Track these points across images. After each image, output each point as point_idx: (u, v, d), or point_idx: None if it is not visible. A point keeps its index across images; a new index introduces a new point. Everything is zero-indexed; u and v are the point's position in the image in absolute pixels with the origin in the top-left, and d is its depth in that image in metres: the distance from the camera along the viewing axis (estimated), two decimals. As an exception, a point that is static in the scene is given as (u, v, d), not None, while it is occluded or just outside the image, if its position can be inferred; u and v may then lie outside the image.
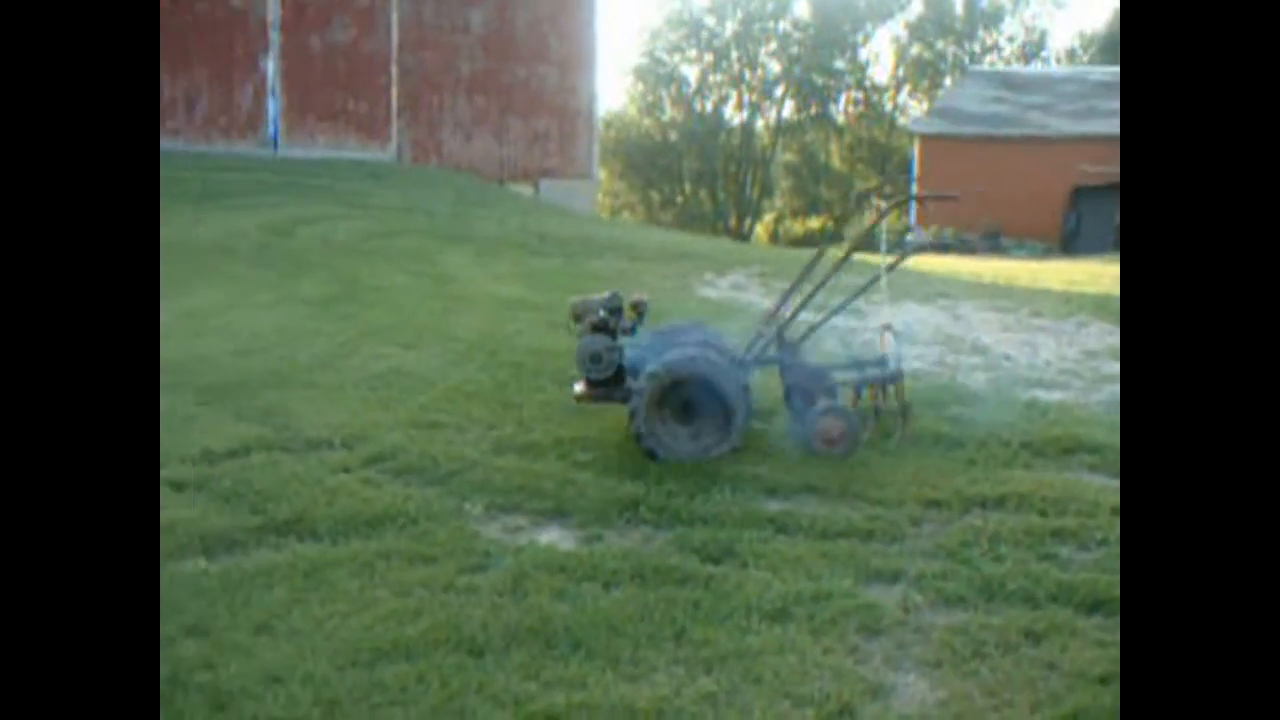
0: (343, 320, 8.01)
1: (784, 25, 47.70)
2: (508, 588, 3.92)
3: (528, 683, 3.30)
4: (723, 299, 9.53)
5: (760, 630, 3.66)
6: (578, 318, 5.76)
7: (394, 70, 18.94)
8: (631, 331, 5.73)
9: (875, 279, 6.13)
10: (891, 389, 5.77)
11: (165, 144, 14.65)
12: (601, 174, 30.46)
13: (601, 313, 5.69)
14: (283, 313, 8.17)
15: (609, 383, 5.61)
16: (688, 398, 5.43)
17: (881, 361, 5.90)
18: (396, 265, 10.30)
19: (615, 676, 3.35)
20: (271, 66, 17.73)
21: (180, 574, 4.00)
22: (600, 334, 5.64)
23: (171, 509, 4.50)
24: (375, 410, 5.91)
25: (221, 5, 17.27)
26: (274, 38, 17.72)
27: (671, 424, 5.43)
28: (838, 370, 6.00)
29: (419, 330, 7.68)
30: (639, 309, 5.82)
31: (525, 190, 19.90)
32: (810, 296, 5.86)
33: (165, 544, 4.15)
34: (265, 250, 10.63)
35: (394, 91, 18.96)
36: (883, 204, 6.30)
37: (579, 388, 5.73)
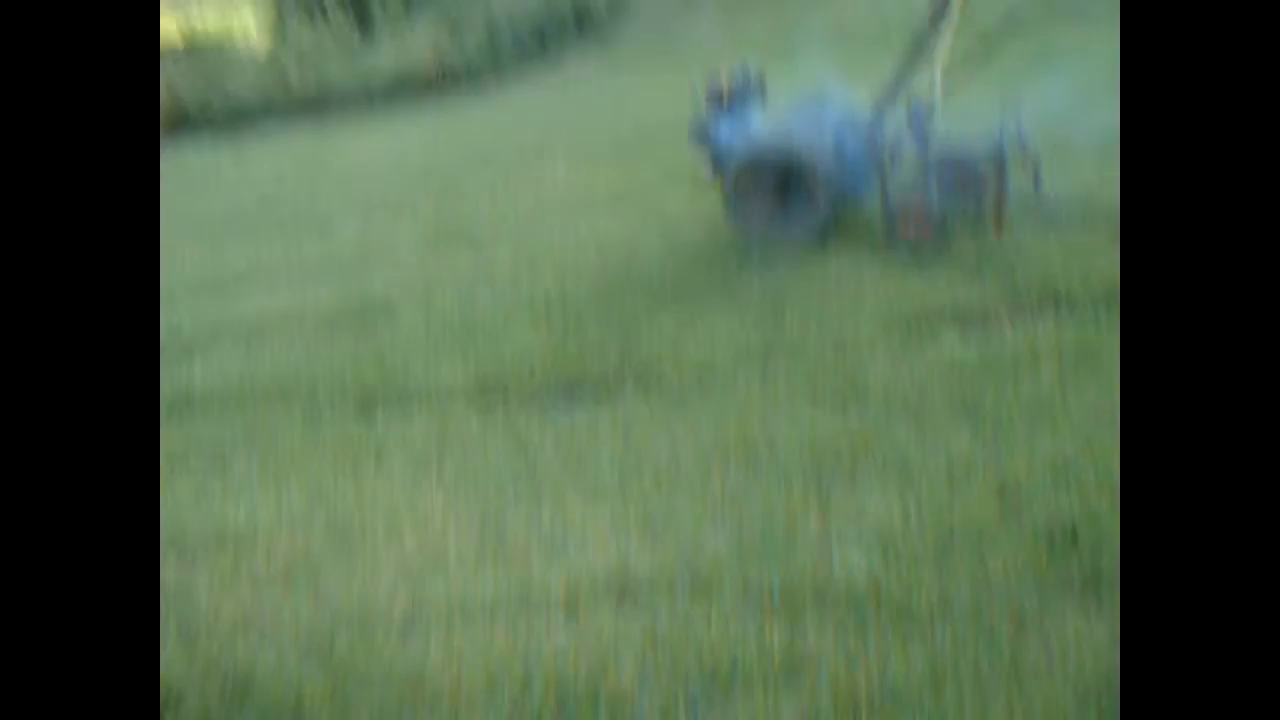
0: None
1: None
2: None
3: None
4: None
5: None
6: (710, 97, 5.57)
7: None
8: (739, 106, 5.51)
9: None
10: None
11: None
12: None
13: (730, 87, 5.50)
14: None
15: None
16: (781, 178, 5.19)
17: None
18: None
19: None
20: None
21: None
22: (716, 111, 5.49)
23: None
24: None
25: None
26: None
27: (763, 204, 5.22)
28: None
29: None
30: (744, 85, 5.57)
31: None
32: (906, 70, 5.15)
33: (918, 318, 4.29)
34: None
35: None
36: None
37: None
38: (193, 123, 14.02)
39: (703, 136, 5.53)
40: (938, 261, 4.89)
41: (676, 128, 6.03)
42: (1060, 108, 5.55)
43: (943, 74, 5.15)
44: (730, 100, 5.53)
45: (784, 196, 5.22)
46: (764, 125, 5.47)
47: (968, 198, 5.10)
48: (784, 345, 4.34)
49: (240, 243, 7.50)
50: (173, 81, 14.64)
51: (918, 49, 5.11)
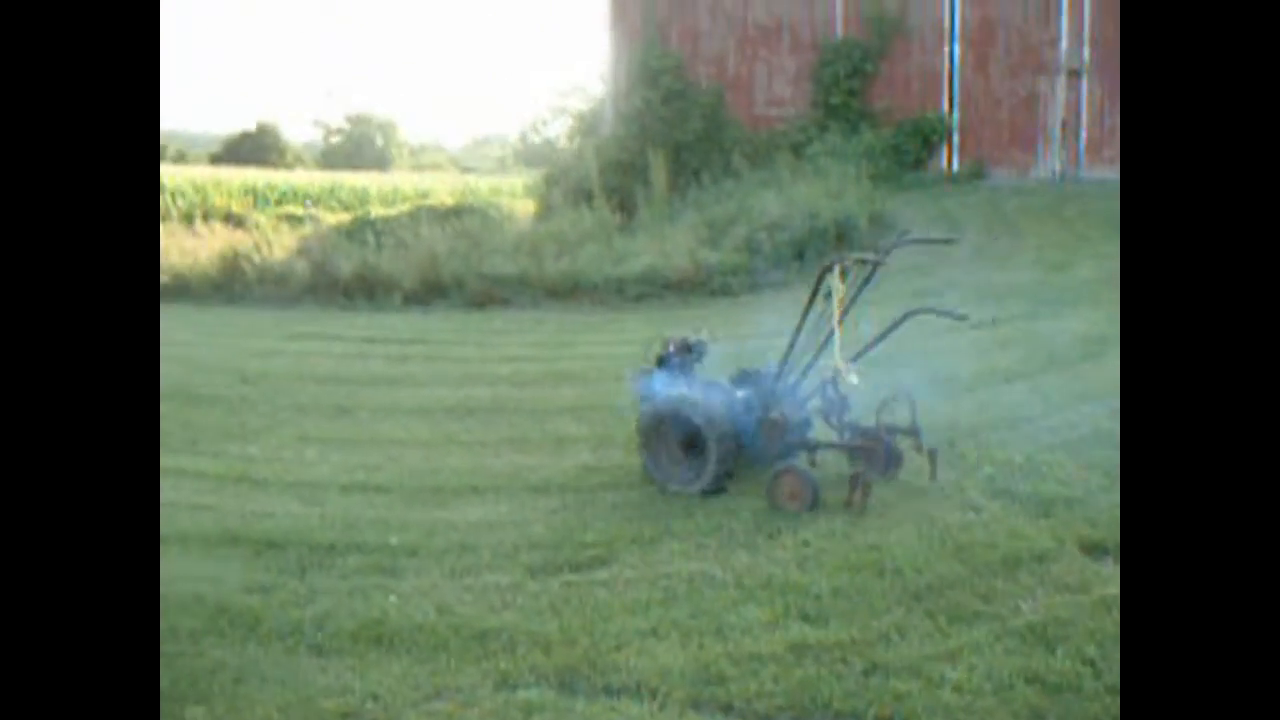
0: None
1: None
2: None
3: None
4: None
5: None
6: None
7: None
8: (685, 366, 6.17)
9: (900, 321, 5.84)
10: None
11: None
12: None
13: (669, 349, 6.24)
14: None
15: None
16: (682, 433, 5.84)
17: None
18: None
19: None
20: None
21: None
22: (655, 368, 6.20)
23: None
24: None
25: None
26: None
27: (672, 454, 5.90)
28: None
29: None
30: (687, 348, 6.24)
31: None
32: (792, 346, 5.83)
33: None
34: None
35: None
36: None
37: None
38: (445, 289, 14.29)
39: (635, 385, 6.23)
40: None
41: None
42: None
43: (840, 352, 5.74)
44: (675, 358, 6.20)
45: (688, 451, 5.85)
46: (671, 388, 6.03)
47: (872, 466, 5.71)
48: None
49: (464, 443, 7.22)
50: (435, 246, 15.06)
51: (800, 328, 5.76)
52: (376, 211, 23.48)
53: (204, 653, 4.12)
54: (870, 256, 6.22)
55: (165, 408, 8.33)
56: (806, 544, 5.04)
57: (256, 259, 16.47)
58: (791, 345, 5.81)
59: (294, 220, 24.65)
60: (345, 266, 15.16)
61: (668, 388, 6.01)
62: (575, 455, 6.72)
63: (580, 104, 58.14)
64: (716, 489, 5.75)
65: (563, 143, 61.11)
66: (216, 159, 53.58)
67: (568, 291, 13.37)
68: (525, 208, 22.77)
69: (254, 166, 44.80)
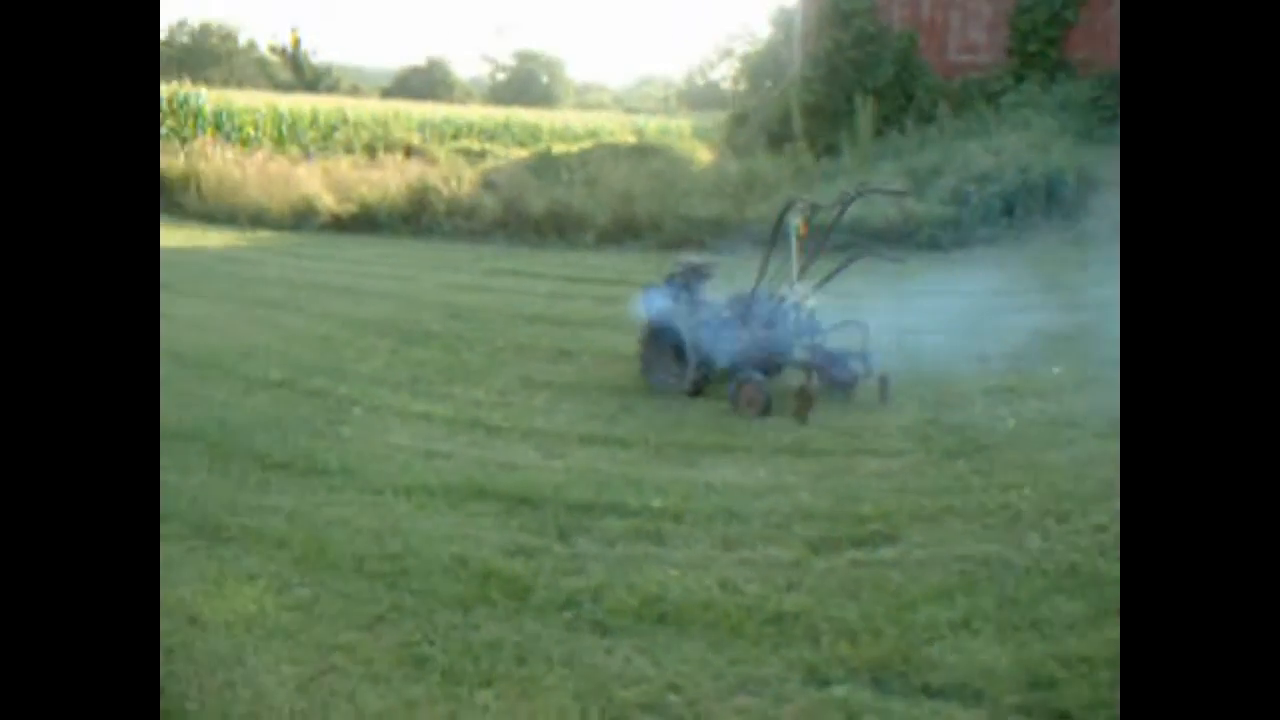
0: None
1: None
2: None
3: None
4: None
5: None
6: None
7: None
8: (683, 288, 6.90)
9: (848, 260, 6.85)
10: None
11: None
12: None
13: (677, 269, 6.98)
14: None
15: None
16: (670, 344, 6.73)
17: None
18: None
19: None
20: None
21: None
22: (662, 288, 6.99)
23: None
24: None
25: None
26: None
27: (665, 360, 6.79)
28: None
29: None
30: (694, 270, 6.93)
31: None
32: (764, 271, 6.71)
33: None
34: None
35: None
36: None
37: None
38: (638, 229, 13.92)
39: (639, 304, 6.99)
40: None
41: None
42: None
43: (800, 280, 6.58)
44: (681, 281, 6.93)
45: (677, 359, 6.72)
46: (663, 307, 6.84)
47: (821, 381, 6.48)
48: None
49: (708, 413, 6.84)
50: (630, 185, 14.69)
51: (766, 260, 6.69)
52: (557, 148, 23.23)
53: (478, 625, 3.82)
54: (830, 204, 6.98)
55: (382, 343, 8.19)
56: (1102, 529, 4.52)
57: (445, 192, 16.39)
58: (762, 272, 6.69)
59: (471, 155, 24.64)
60: (536, 203, 14.94)
61: (665, 304, 6.84)
62: (819, 413, 6.27)
63: (747, 46, 57.42)
64: (695, 391, 6.65)
65: (727, 85, 60.47)
66: (387, 93, 54.40)
67: (767, 236, 12.80)
68: (699, 149, 22.27)
69: (425, 101, 45.24)
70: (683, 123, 41.89)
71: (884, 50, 19.39)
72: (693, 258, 7.16)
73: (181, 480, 5.23)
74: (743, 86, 51.89)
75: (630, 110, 57.53)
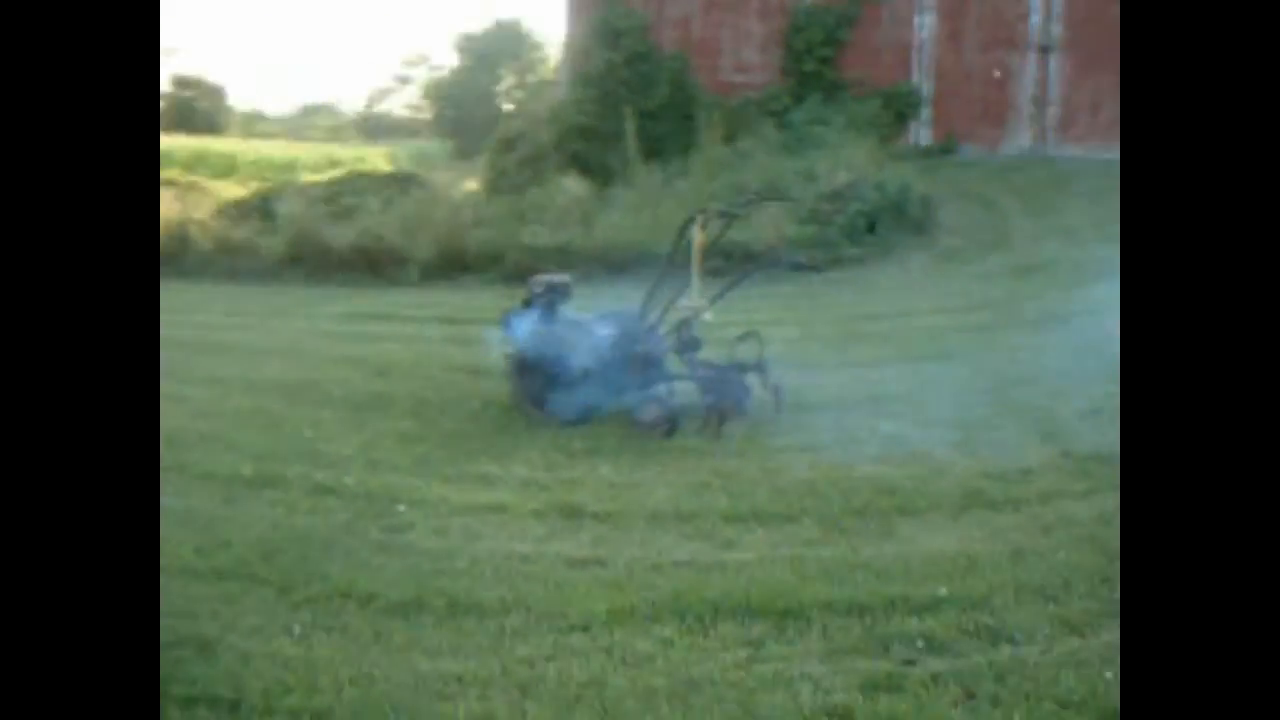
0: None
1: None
2: None
3: None
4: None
5: None
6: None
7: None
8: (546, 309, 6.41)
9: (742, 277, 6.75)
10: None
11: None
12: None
13: (535, 290, 6.49)
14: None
15: None
16: (543, 369, 6.17)
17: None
18: None
19: None
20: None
21: None
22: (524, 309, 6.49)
23: None
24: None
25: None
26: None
27: (538, 388, 6.22)
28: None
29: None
30: (553, 289, 6.48)
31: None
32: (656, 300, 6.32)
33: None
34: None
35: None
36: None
37: None
38: (468, 263, 12.54)
39: (504, 326, 6.52)
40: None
41: None
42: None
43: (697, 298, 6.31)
44: (542, 300, 6.43)
45: (554, 385, 6.16)
46: (533, 330, 6.33)
47: (720, 399, 6.06)
48: None
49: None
50: (459, 215, 13.27)
51: (663, 278, 6.33)
52: (307, 178, 21.07)
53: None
54: (729, 210, 6.90)
55: (328, 415, 6.55)
56: None
57: (213, 228, 14.28)
58: (654, 288, 6.30)
59: (179, 188, 21.95)
60: (338, 236, 13.18)
61: (530, 328, 6.34)
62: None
63: (427, 73, 55.89)
64: (581, 420, 6.12)
65: (406, 113, 58.71)
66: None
67: (625, 263, 11.66)
68: (461, 178, 20.87)
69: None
70: (374, 150, 40.13)
71: (657, 70, 18.82)
72: (550, 276, 6.74)
73: (263, 646, 3.58)
74: (428, 115, 50.70)
75: (300, 139, 54.53)
